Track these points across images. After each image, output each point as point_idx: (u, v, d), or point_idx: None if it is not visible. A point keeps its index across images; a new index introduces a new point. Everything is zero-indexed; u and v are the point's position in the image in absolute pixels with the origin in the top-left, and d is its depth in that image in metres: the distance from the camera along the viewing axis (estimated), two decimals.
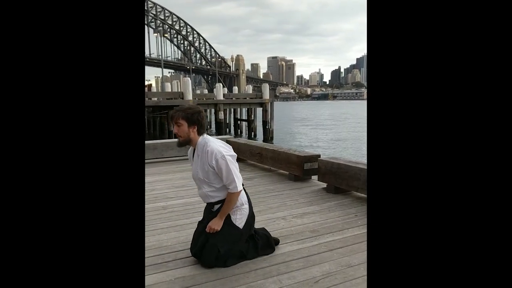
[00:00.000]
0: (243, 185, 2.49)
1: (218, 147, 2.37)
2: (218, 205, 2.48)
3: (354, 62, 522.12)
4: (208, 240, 2.40)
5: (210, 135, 2.59)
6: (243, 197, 2.50)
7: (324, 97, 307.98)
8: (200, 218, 3.38)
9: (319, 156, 4.74)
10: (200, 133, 2.43)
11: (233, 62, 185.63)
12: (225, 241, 2.37)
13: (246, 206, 2.51)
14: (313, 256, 2.55)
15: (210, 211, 2.54)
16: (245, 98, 25.25)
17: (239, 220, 2.45)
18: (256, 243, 2.51)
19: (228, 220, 2.44)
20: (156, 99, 20.64)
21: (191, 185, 4.76)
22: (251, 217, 2.53)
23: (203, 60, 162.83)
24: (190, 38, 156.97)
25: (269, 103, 23.63)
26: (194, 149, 2.49)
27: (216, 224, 2.42)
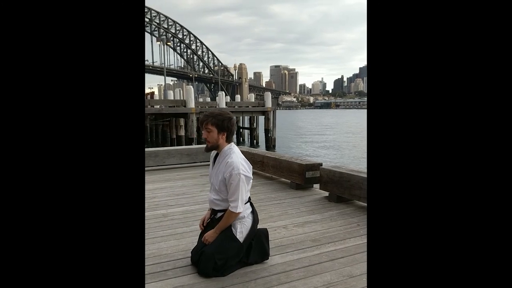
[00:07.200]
0: (250, 198, 2.52)
1: (238, 162, 2.35)
2: (221, 213, 2.48)
3: (357, 72, 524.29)
4: (205, 250, 2.38)
5: None
6: (246, 210, 2.49)
7: (326, 105, 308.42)
8: None
9: (321, 164, 4.72)
10: (228, 140, 2.43)
11: (236, 71, 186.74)
12: (223, 254, 2.35)
13: (249, 220, 2.49)
14: (314, 265, 2.51)
15: (214, 218, 2.55)
16: (248, 107, 25.33)
17: (240, 234, 2.44)
18: (251, 245, 2.48)
19: (229, 233, 2.43)
20: (158, 106, 20.73)
21: (192, 193, 4.75)
22: (252, 228, 2.51)
23: (206, 68, 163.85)
24: (193, 47, 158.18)
25: (272, 112, 23.72)
26: (217, 153, 2.50)
27: (210, 237, 2.44)
